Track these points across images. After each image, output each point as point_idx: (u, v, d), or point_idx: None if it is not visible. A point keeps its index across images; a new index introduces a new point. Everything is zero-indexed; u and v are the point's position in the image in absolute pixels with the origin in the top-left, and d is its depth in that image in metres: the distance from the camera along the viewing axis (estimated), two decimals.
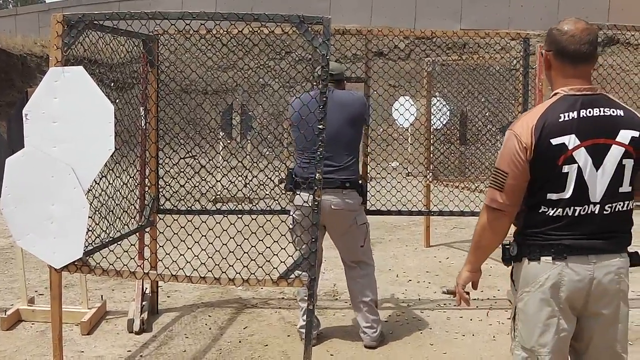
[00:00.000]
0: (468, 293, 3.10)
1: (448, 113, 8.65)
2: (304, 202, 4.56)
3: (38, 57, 18.01)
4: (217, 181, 5.52)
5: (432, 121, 8.33)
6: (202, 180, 5.61)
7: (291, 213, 4.97)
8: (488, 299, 6.04)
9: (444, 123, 8.63)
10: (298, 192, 4.87)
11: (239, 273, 4.16)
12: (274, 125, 5.88)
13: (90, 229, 4.35)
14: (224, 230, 4.36)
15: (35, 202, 4.05)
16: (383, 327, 5.28)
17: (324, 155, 4.14)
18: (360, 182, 5.16)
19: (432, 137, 8.37)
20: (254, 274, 4.17)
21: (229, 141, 10.85)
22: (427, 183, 8.33)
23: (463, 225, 9.45)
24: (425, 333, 5.41)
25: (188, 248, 4.40)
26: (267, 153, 5.60)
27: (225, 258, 4.29)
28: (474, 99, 8.52)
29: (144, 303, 5.56)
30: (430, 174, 8.25)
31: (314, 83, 4.85)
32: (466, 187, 7.87)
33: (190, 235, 4.47)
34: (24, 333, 5.39)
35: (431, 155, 8.32)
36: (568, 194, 2.74)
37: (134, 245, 5.00)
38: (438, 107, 8.43)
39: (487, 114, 8.42)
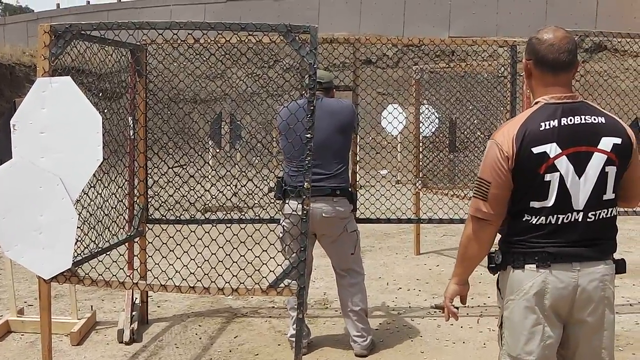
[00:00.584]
0: (458, 308, 3.09)
1: (437, 120, 8.66)
2: (293, 210, 4.56)
3: (26, 66, 17.96)
4: (206, 190, 5.50)
5: (421, 129, 8.34)
6: (191, 189, 5.61)
7: (280, 222, 4.97)
8: (478, 306, 6.05)
9: (432, 130, 8.65)
10: (287, 201, 4.88)
11: (229, 282, 4.15)
12: (263, 134, 5.89)
13: (79, 239, 4.34)
14: (213, 239, 4.35)
15: (24, 213, 4.03)
16: (373, 335, 5.28)
17: (314, 163, 4.13)
18: (350, 189, 5.17)
19: (421, 144, 8.39)
20: (243, 283, 4.16)
21: (217, 150, 10.84)
22: (416, 191, 8.33)
23: (453, 233, 9.46)
24: (416, 341, 5.41)
25: (177, 258, 4.39)
26: (255, 162, 5.61)
27: (215, 267, 4.28)
28: (463, 107, 8.55)
29: (133, 313, 5.54)
30: (420, 181, 8.26)
31: (303, 92, 4.85)
32: (455, 195, 7.89)
33: (179, 245, 4.46)
34: (14, 344, 5.37)
35: (420, 162, 8.33)
36: (551, 202, 2.75)
37: (123, 255, 4.98)
38: (427, 115, 8.45)
39: (475, 121, 8.45)
